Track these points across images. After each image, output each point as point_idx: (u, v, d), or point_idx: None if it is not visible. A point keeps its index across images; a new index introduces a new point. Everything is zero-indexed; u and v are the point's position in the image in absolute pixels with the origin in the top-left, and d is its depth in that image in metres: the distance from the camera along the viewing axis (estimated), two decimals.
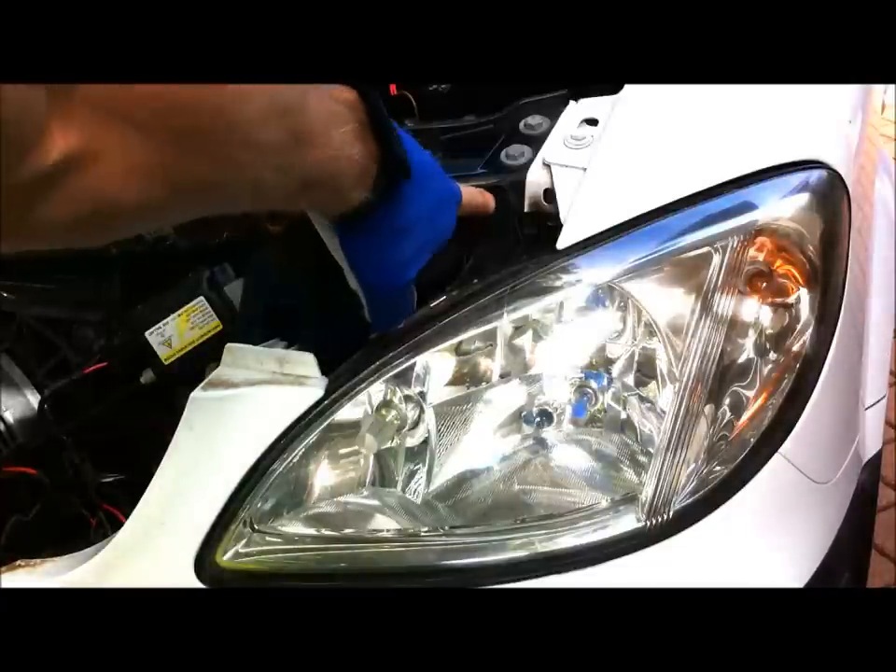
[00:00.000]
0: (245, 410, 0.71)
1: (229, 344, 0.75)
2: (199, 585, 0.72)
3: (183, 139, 0.47)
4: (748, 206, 0.71)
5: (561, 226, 0.72)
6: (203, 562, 0.72)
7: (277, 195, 0.58)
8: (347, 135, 0.60)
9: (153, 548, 0.73)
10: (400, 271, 0.69)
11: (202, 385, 0.73)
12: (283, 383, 0.72)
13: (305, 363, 0.72)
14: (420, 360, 0.73)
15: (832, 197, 0.74)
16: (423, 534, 0.74)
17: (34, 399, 0.97)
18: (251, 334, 0.80)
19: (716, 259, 0.70)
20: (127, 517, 0.73)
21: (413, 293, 0.73)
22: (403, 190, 0.65)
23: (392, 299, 0.71)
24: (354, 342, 0.76)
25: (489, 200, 0.78)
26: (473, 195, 0.77)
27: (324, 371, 0.72)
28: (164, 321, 0.89)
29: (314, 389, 0.71)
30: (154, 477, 0.72)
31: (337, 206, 0.64)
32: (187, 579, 0.72)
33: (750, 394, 0.72)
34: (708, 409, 0.71)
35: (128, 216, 0.48)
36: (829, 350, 0.74)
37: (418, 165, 0.66)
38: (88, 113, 0.43)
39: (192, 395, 0.72)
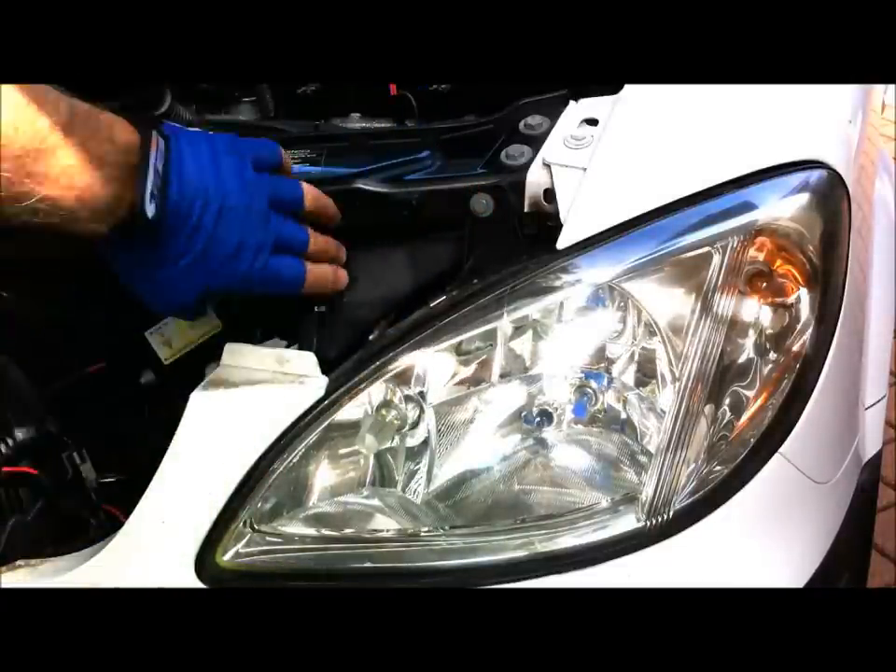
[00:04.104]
0: (245, 410, 0.71)
1: (229, 344, 0.75)
2: (199, 585, 0.72)
3: None
4: (748, 206, 0.71)
5: (561, 226, 0.72)
6: (203, 562, 0.72)
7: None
8: (96, 178, 0.62)
9: (153, 548, 0.73)
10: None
11: (202, 384, 0.73)
12: (283, 382, 0.72)
13: (305, 363, 0.72)
14: (420, 360, 0.73)
15: (832, 197, 0.74)
16: (423, 534, 0.74)
17: (34, 399, 0.96)
18: (251, 334, 0.80)
19: (716, 259, 0.70)
20: (127, 517, 0.73)
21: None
22: (157, 239, 0.66)
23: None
24: (354, 342, 0.76)
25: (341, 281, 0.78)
26: (322, 275, 0.76)
27: (324, 371, 0.72)
28: (164, 321, 0.89)
29: (314, 389, 0.71)
30: (154, 477, 0.72)
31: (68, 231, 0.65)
32: (187, 579, 0.72)
33: (750, 394, 0.72)
34: (708, 409, 0.71)
35: None
36: (829, 350, 0.74)
37: (199, 228, 0.67)
38: None
39: (192, 395, 0.72)
